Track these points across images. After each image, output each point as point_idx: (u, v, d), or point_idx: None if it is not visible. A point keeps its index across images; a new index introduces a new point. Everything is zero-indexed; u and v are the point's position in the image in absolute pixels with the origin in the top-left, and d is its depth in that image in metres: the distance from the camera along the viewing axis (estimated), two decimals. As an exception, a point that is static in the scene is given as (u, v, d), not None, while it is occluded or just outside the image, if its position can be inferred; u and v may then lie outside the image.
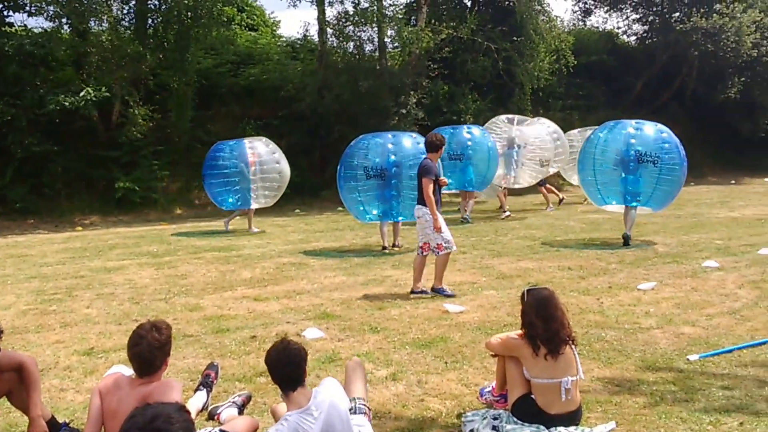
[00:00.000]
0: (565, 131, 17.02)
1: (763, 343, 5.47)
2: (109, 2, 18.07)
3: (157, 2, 19.80)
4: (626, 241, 10.68)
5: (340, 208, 18.60)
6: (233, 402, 4.32)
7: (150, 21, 19.73)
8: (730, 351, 5.30)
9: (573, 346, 3.97)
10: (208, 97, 20.41)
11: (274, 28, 28.47)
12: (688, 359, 5.14)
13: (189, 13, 18.06)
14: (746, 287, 7.55)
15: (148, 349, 3.44)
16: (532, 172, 15.49)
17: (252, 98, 21.11)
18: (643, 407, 4.27)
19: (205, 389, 4.42)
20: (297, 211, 18.10)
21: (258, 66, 22.08)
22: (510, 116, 16.36)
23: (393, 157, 10.75)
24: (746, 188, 22.89)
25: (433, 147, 7.76)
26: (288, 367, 3.44)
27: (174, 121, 19.07)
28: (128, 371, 4.09)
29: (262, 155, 13.91)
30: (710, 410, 4.20)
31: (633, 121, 11.28)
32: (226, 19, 21.88)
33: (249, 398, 4.44)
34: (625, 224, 10.94)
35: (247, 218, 14.18)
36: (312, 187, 20.24)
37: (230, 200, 14.09)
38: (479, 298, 7.33)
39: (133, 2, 19.29)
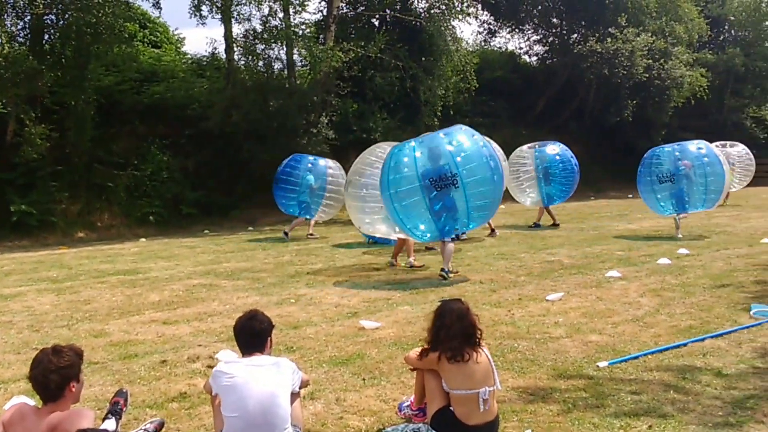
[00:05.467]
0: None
1: (667, 349, 5.74)
2: (2, 17, 17.21)
3: (54, 17, 19.01)
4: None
5: (250, 228, 18.37)
6: (145, 430, 4.16)
7: (47, 36, 18.92)
8: (636, 357, 5.53)
9: (490, 357, 4.05)
10: (110, 115, 19.68)
11: (179, 45, 27.86)
12: (597, 366, 5.33)
13: (88, 29, 17.42)
14: (648, 295, 7.92)
15: (43, 373, 3.30)
16: None
17: (157, 117, 20.50)
18: (557, 414, 4.39)
19: (113, 417, 4.23)
20: (206, 231, 17.69)
21: (162, 83, 21.53)
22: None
23: None
24: (643, 202, 24.02)
25: None
26: (250, 334, 3.96)
27: (73, 141, 18.21)
28: (32, 402, 3.87)
29: (336, 175, 15.42)
30: (620, 415, 4.36)
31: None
32: (127, 36, 21.18)
33: (161, 425, 4.29)
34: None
35: (309, 225, 15.78)
36: (221, 206, 19.86)
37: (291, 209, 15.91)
38: (394, 314, 7.36)
39: (28, 17, 18.44)
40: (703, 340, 5.97)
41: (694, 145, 13.77)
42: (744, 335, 6.12)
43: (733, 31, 37.79)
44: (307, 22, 23.03)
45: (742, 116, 35.28)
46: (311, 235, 15.49)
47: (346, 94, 22.40)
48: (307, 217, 15.69)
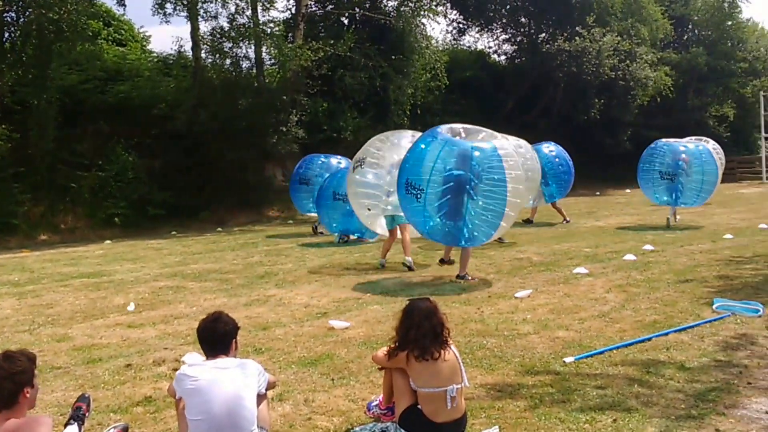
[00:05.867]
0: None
1: (632, 343, 5.83)
2: (-40, 15, 16.87)
3: (14, 15, 18.67)
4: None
5: (219, 229, 18.23)
6: (108, 435, 4.10)
7: (7, 35, 18.57)
8: (602, 352, 5.61)
9: (457, 355, 4.07)
10: (74, 115, 19.36)
11: (144, 43, 27.54)
12: (564, 362, 5.39)
13: (51, 27, 17.13)
14: (613, 291, 8.03)
15: None
16: None
17: (122, 116, 20.17)
18: (524, 410, 4.44)
19: (76, 423, 4.16)
20: (173, 233, 17.50)
21: (127, 82, 21.22)
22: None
23: None
24: (610, 199, 24.43)
25: None
26: (214, 337, 3.85)
27: (35, 141, 17.87)
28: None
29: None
30: (586, 409, 4.42)
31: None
32: (91, 34, 20.93)
33: (126, 430, 4.24)
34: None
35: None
36: (189, 207, 19.65)
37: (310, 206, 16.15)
38: (364, 314, 7.37)
39: (-13, 15, 18.10)
40: (666, 334, 6.07)
41: (692, 144, 15.21)
42: (706, 329, 6.23)
43: (696, 31, 38.51)
44: (275, 20, 23.00)
45: (705, 115, 35.96)
46: (321, 233, 15.30)
47: (316, 93, 22.36)
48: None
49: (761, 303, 6.97)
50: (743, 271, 9.10)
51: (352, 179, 11.10)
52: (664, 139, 15.84)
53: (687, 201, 14.84)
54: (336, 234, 13.78)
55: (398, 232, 10.58)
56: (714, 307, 6.99)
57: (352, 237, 13.78)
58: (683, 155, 14.65)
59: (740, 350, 5.59)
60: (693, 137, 19.36)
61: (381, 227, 11.20)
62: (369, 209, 10.84)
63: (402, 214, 9.89)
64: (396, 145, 10.77)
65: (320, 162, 16.15)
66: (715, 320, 6.51)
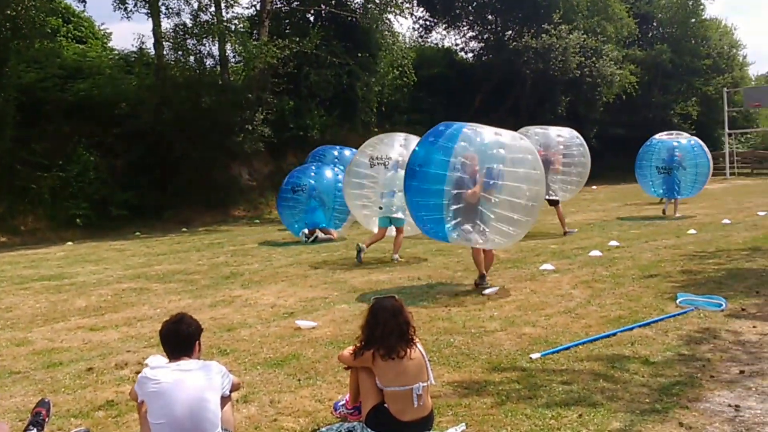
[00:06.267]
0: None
1: (597, 339, 5.91)
2: None
3: (-31, 11, 18.25)
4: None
5: (184, 229, 18.05)
6: (68, 439, 4.04)
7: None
8: (568, 348, 5.68)
9: (423, 353, 4.09)
10: (32, 114, 18.95)
11: (105, 40, 27.13)
12: (530, 358, 5.45)
13: (7, 24, 16.78)
14: (579, 287, 8.14)
15: None
16: None
17: (83, 115, 19.79)
18: (491, 407, 4.47)
19: (35, 428, 4.10)
20: (137, 233, 17.28)
21: (88, 80, 20.81)
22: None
23: None
24: (576, 196, 24.56)
25: None
26: (176, 339, 3.82)
27: (-7, 141, 17.54)
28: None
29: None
30: (552, 405, 4.47)
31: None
32: (50, 30, 20.55)
33: (86, 434, 4.17)
34: None
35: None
36: (153, 208, 19.39)
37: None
38: (331, 313, 7.36)
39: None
40: (631, 329, 6.17)
41: (685, 138, 16.69)
42: (670, 324, 6.35)
43: (660, 29, 39.18)
44: (239, 16, 22.88)
45: (670, 113, 36.59)
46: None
47: (282, 91, 22.26)
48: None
49: (724, 297, 7.13)
50: (706, 266, 9.29)
51: (360, 174, 11.25)
52: (657, 136, 16.96)
53: (684, 192, 16.10)
54: (302, 233, 13.72)
55: (388, 231, 10.88)
56: (678, 301, 7.12)
57: (320, 236, 13.73)
58: (678, 152, 15.93)
59: (703, 344, 5.70)
60: (673, 131, 19.60)
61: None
62: (380, 207, 10.89)
63: (402, 216, 10.29)
64: (393, 145, 11.23)
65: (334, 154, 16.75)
66: (678, 315, 6.64)
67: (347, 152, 16.10)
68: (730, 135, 35.63)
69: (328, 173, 14.23)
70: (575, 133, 14.09)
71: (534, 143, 11.68)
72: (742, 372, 4.96)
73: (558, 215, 13.55)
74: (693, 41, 38.08)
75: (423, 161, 8.13)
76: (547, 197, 12.37)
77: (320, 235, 13.74)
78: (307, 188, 13.83)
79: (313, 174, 14.17)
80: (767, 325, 6.17)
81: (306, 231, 13.69)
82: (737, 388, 4.65)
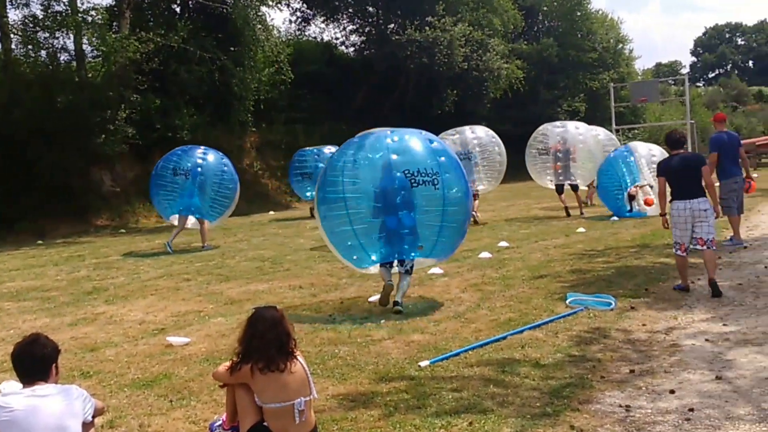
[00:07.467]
0: (290, 146, 17.64)
1: (487, 343, 6.09)
2: None
3: None
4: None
5: (40, 241, 17.14)
6: None
7: None
8: (457, 354, 5.82)
9: (305, 366, 4.08)
10: None
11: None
12: (419, 366, 5.54)
13: None
14: (469, 291, 8.37)
15: None
16: None
17: None
18: (378, 419, 4.52)
19: None
20: (-18, 248, 16.25)
21: None
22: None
23: None
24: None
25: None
26: (30, 362, 3.67)
27: None
28: None
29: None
30: (441, 414, 4.56)
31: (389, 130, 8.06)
32: None
33: None
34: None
35: None
36: (3, 218, 18.34)
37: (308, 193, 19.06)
38: (206, 327, 7.21)
39: None
40: (521, 332, 6.39)
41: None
42: (560, 324, 6.63)
43: (546, 22, 40.98)
44: (97, 7, 21.94)
45: (557, 109, 38.30)
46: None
47: (147, 89, 21.60)
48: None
49: (613, 296, 7.52)
50: (596, 265, 9.79)
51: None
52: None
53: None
54: (167, 244, 13.41)
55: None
56: (567, 302, 7.44)
57: (189, 224, 13.78)
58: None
59: (593, 344, 5.98)
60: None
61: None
62: None
63: None
64: None
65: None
66: (568, 315, 6.94)
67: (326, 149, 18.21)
68: (617, 131, 37.65)
69: (212, 157, 14.02)
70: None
71: (555, 136, 17.23)
72: (632, 371, 5.22)
73: (576, 198, 16.94)
74: (579, 35, 40.01)
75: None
76: (569, 182, 16.92)
77: (190, 222, 13.85)
78: (191, 172, 13.58)
79: (200, 160, 13.84)
80: (656, 323, 6.54)
81: (171, 242, 13.43)
82: (628, 388, 4.88)
